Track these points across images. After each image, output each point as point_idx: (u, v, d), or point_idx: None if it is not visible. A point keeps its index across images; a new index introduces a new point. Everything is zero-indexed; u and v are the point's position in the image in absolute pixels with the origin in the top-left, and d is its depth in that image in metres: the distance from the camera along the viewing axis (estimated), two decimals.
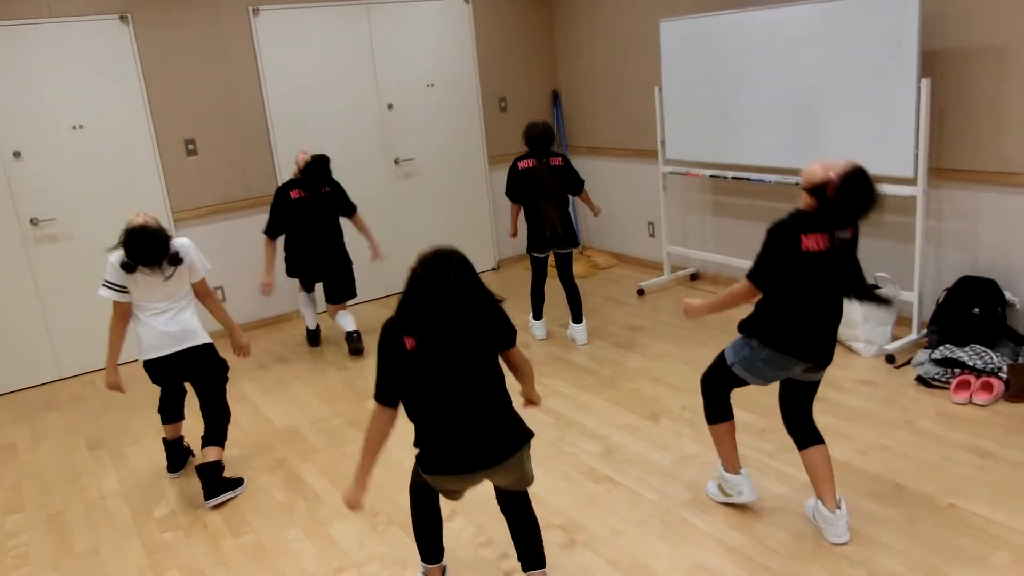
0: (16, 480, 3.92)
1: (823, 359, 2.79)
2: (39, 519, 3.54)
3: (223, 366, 3.66)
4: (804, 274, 2.68)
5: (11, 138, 4.84)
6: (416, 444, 2.44)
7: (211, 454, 3.53)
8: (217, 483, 3.50)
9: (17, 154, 4.85)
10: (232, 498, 3.54)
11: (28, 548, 3.32)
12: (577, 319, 4.95)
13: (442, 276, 2.26)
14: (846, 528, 2.84)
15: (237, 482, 3.60)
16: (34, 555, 3.27)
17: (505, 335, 2.46)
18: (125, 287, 3.38)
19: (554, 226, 4.72)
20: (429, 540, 2.67)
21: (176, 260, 3.40)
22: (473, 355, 2.36)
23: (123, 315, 3.43)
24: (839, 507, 2.82)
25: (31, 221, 4.95)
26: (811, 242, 2.65)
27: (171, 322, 3.45)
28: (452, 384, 2.34)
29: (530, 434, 2.47)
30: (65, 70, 4.92)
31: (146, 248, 3.30)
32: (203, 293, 3.59)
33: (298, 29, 5.62)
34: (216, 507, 3.47)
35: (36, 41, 4.81)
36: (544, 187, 4.69)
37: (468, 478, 2.41)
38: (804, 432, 2.88)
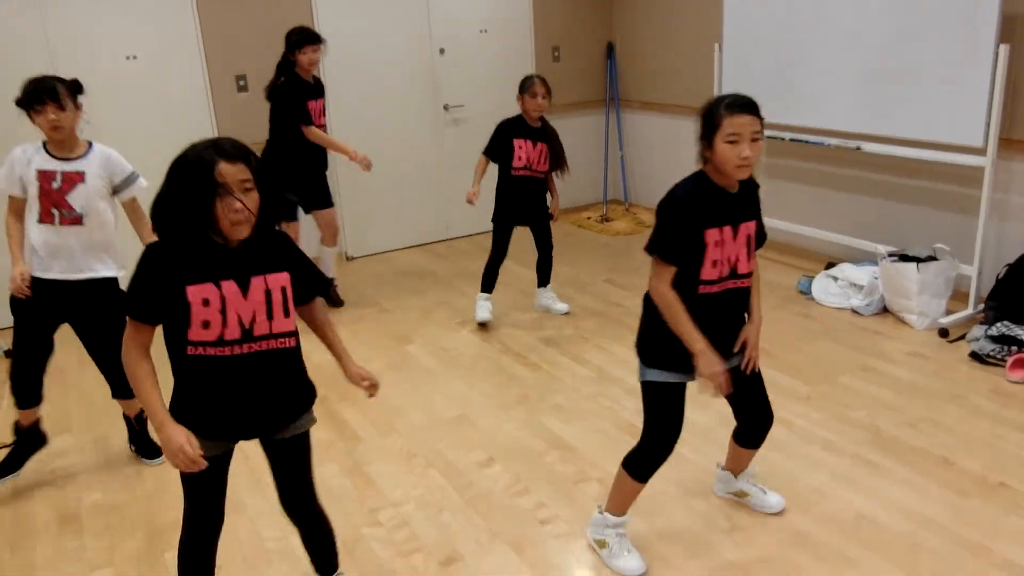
0: (64, 402, 4.00)
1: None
2: (85, 442, 3.62)
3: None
4: None
5: (65, 67, 4.83)
6: None
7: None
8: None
9: None
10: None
11: (76, 468, 3.41)
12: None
13: None
14: None
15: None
16: (81, 475, 3.35)
17: None
18: None
19: None
20: None
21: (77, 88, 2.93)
22: None
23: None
24: None
25: None
26: None
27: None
28: None
29: None
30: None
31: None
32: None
33: None
34: None
35: None
36: None
37: None
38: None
